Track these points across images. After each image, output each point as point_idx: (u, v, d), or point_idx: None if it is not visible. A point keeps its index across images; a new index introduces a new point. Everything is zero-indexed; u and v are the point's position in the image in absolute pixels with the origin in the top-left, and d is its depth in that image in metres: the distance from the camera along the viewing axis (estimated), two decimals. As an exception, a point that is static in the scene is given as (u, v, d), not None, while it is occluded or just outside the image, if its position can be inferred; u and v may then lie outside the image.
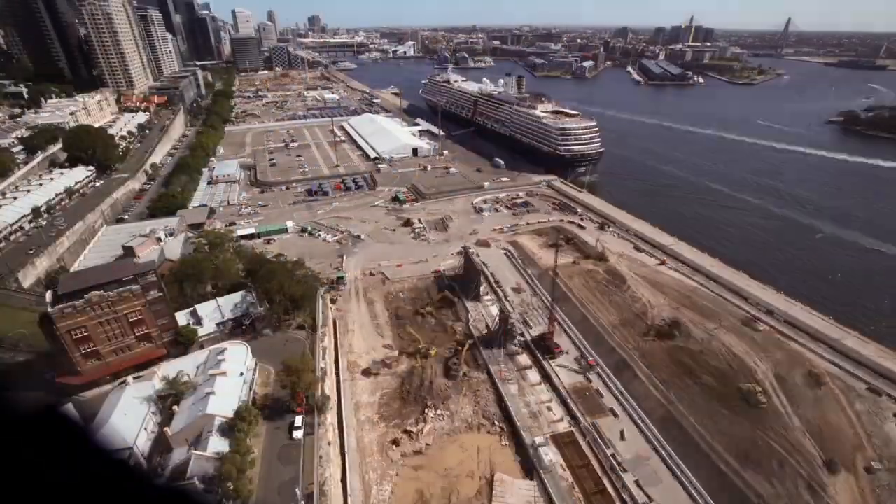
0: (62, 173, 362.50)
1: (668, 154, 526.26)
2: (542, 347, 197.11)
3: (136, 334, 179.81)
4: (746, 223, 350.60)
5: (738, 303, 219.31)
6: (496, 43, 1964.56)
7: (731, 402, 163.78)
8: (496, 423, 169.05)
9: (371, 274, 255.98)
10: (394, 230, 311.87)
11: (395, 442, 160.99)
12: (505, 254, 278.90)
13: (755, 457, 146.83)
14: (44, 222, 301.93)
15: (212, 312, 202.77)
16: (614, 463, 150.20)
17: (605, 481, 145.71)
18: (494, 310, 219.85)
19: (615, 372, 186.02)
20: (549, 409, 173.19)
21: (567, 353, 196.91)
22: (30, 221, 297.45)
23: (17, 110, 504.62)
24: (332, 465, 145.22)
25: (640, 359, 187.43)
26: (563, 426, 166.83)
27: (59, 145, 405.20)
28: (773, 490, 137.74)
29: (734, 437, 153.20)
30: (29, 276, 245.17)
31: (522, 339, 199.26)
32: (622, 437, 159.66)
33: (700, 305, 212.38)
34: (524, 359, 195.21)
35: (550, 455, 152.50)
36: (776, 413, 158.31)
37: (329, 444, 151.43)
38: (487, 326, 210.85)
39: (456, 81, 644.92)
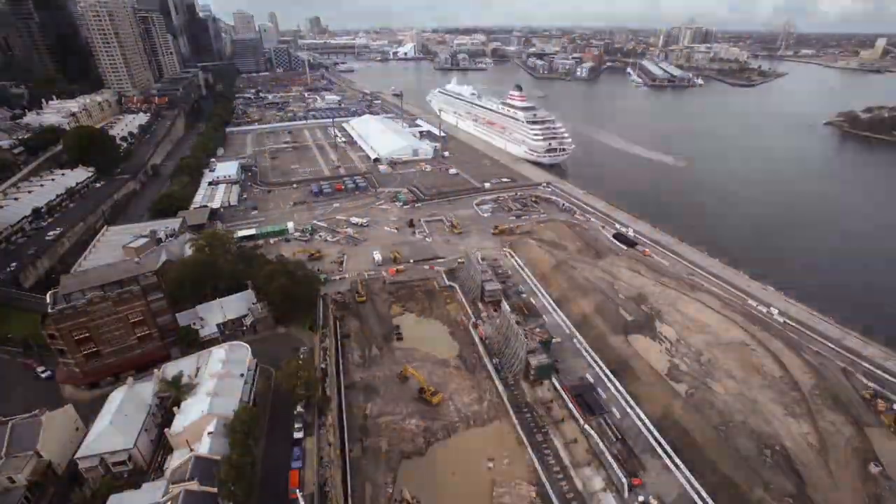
0: (63, 174, 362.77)
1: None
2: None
3: (137, 335, 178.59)
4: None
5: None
6: (496, 44, 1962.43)
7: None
8: (499, 422, 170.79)
9: (371, 274, 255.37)
10: (396, 230, 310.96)
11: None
12: (508, 255, 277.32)
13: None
14: (44, 223, 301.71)
15: (213, 313, 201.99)
16: (613, 462, 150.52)
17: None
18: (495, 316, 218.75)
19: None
20: (549, 408, 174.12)
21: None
22: (30, 222, 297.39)
23: (18, 111, 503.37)
24: (332, 465, 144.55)
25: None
26: (567, 426, 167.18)
27: (60, 147, 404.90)
28: None
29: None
30: (30, 277, 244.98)
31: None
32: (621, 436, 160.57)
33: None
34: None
35: (556, 453, 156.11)
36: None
37: (330, 444, 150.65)
38: (497, 329, 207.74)
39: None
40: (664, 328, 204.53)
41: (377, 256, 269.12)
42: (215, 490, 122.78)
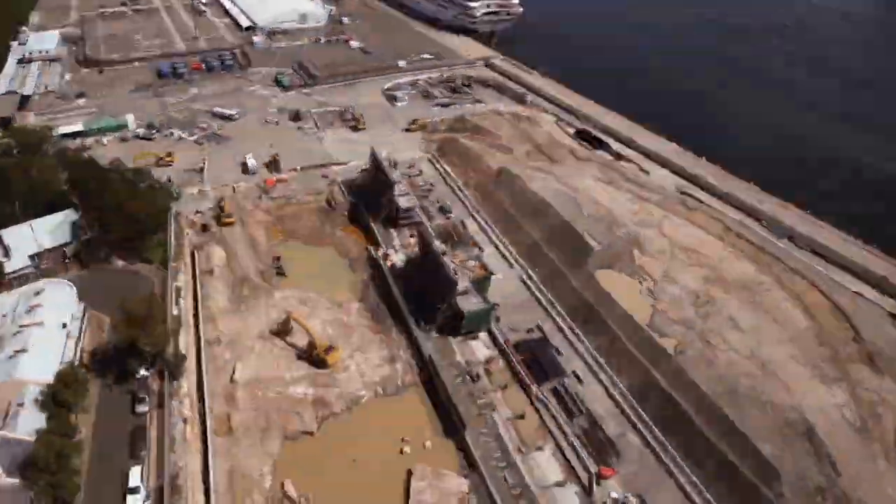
0: None
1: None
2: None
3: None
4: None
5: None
6: None
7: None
8: (418, 389, 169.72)
9: (243, 186, 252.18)
10: (276, 125, 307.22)
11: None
12: (429, 159, 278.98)
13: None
14: None
15: (23, 240, 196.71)
16: (575, 444, 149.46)
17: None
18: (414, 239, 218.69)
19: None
20: (486, 371, 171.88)
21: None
22: None
23: None
24: (189, 449, 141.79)
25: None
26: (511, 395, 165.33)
27: None
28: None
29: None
30: None
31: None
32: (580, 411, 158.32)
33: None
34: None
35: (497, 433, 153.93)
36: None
37: (185, 420, 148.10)
38: (409, 258, 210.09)
39: None
40: (645, 261, 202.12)
41: (251, 162, 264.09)
42: (26, 482, 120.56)
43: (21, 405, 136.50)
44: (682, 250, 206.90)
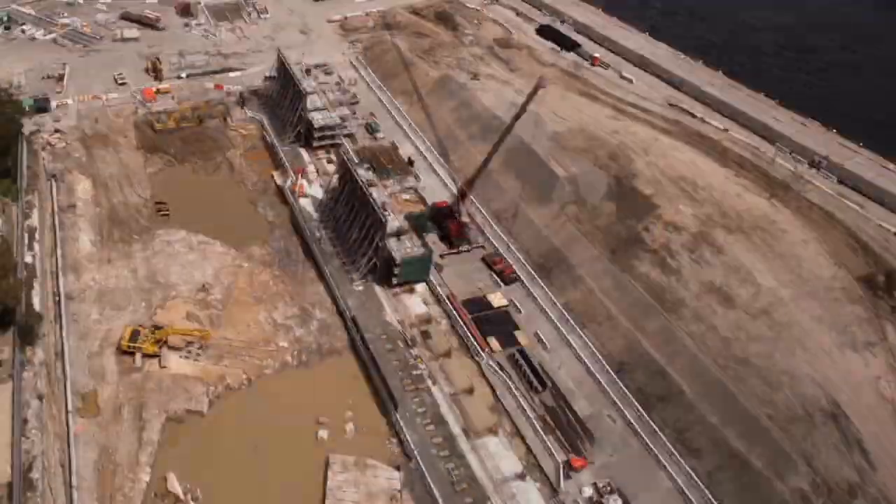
0: None
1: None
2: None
3: None
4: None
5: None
6: None
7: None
8: (338, 358, 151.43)
9: (114, 98, 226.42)
10: (157, 20, 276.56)
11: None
12: (352, 64, 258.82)
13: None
14: None
15: None
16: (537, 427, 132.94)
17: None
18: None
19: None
20: (424, 334, 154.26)
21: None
22: None
23: None
24: (46, 433, 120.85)
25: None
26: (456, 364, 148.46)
27: None
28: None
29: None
30: None
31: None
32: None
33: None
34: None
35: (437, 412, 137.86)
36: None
37: (41, 398, 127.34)
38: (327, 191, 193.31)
39: None
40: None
41: (123, 68, 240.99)
42: None
43: None
44: (674, 181, 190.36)
